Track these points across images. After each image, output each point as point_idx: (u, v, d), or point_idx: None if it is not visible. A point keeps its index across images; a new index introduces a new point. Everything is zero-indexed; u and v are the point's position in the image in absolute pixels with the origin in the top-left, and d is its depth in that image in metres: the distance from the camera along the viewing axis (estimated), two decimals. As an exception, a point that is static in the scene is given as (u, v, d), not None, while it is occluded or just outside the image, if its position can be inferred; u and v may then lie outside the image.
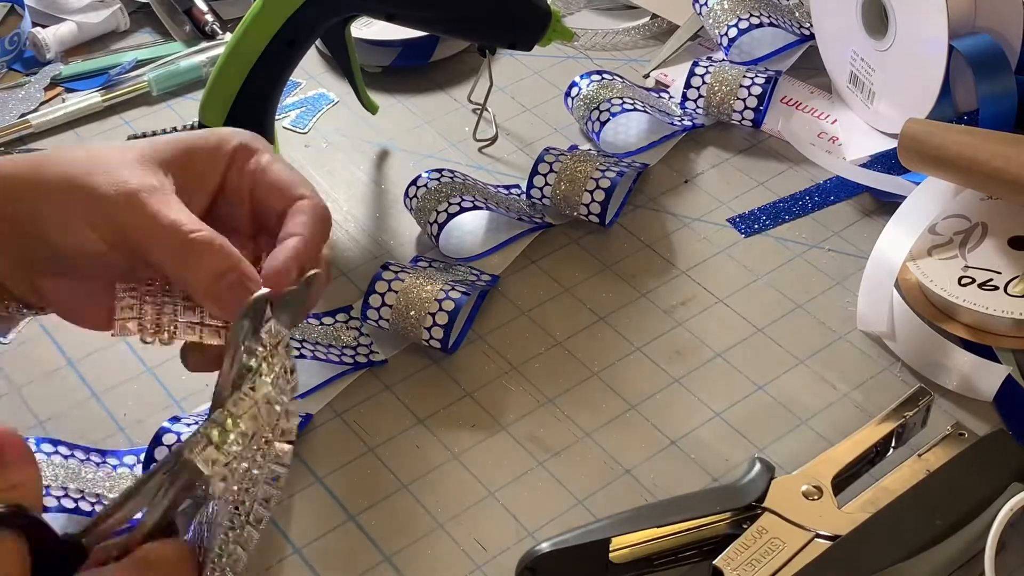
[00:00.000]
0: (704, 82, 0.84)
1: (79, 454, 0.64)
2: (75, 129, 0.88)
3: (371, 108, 0.84)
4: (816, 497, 0.59)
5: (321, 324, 0.71)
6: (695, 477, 0.64)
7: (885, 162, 0.81)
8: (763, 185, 0.81)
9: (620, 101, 0.82)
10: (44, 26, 0.95)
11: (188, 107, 0.90)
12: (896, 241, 0.71)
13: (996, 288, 0.68)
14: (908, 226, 0.72)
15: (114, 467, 0.64)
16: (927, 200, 0.73)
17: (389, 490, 0.64)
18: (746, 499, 0.58)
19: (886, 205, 0.78)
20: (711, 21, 0.88)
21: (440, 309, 0.69)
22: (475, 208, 0.75)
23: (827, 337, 0.71)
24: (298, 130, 0.88)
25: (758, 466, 0.60)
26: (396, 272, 0.70)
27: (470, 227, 0.77)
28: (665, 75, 0.89)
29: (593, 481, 0.64)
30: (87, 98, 0.89)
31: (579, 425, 0.67)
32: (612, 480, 0.64)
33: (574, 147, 0.83)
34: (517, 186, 0.80)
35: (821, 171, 0.82)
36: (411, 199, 0.77)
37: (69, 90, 0.91)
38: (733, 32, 0.87)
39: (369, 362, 0.70)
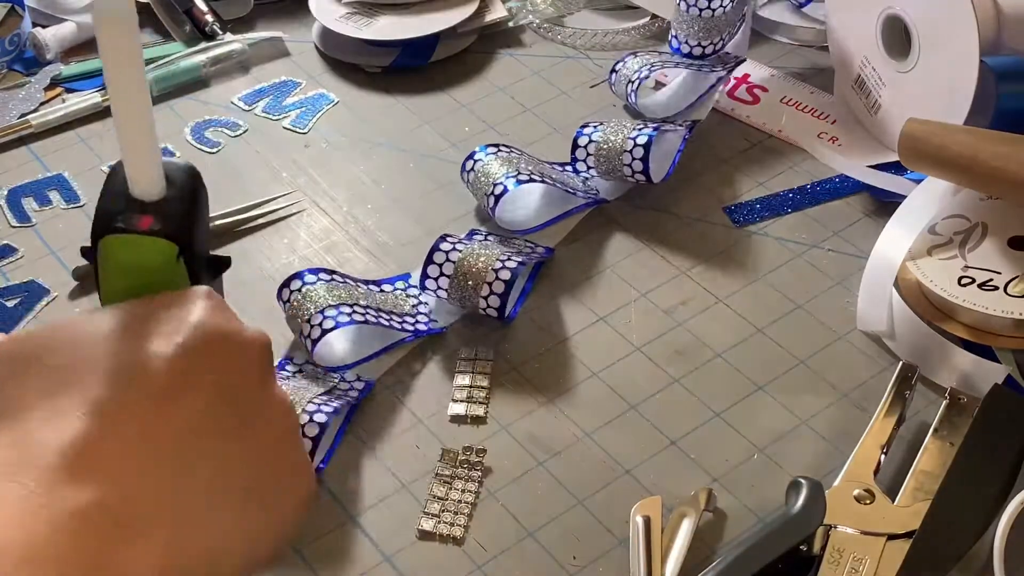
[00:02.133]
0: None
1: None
2: (75, 130, 0.88)
3: None
4: (869, 500, 0.59)
5: (382, 291, 0.72)
6: (695, 477, 0.64)
7: (886, 167, 0.81)
8: (763, 185, 0.81)
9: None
10: (44, 26, 0.95)
11: (188, 107, 0.90)
12: (896, 241, 0.71)
13: (996, 288, 0.68)
14: (908, 226, 0.72)
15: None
16: (927, 200, 0.73)
17: (389, 490, 0.64)
18: (813, 524, 0.58)
19: (886, 205, 0.78)
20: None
21: (497, 279, 0.70)
22: (531, 181, 0.76)
23: (827, 337, 0.71)
24: (298, 130, 0.88)
25: (805, 486, 0.59)
26: (453, 244, 0.72)
27: (524, 201, 0.78)
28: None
29: (593, 481, 0.64)
30: (87, 98, 0.89)
31: (579, 425, 0.67)
32: (612, 480, 0.64)
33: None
34: (567, 164, 0.81)
35: (821, 171, 0.82)
36: (467, 172, 0.78)
37: (69, 90, 0.91)
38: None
39: (429, 330, 0.71)
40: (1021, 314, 0.67)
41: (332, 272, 0.71)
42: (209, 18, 0.96)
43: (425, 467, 0.65)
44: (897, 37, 0.81)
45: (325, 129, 0.88)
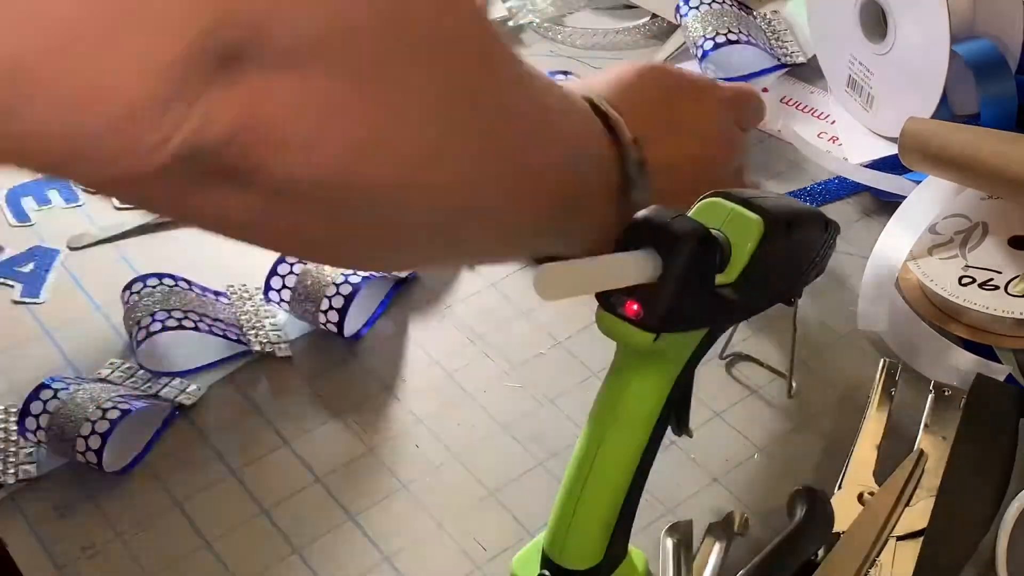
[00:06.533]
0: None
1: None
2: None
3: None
4: None
5: None
6: (695, 477, 0.64)
7: (886, 163, 0.81)
8: (763, 185, 0.81)
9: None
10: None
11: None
12: (896, 241, 0.71)
13: (997, 288, 0.68)
14: (908, 226, 0.72)
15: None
16: (927, 199, 0.73)
17: (388, 490, 0.64)
18: (823, 541, 0.57)
19: (886, 205, 0.78)
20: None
21: (93, 432, 0.64)
22: (181, 328, 0.70)
23: (827, 337, 0.71)
24: (298, 130, 0.88)
25: (810, 499, 0.57)
26: (56, 390, 0.66)
27: (180, 341, 0.72)
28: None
29: (593, 481, 0.64)
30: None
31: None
32: (612, 480, 0.64)
33: None
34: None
35: (821, 171, 0.82)
36: (125, 303, 0.72)
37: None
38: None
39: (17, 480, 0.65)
40: (1022, 313, 0.67)
41: None
42: (209, 18, 0.96)
43: (425, 467, 0.65)
44: (874, 21, 0.81)
45: (325, 129, 0.88)
